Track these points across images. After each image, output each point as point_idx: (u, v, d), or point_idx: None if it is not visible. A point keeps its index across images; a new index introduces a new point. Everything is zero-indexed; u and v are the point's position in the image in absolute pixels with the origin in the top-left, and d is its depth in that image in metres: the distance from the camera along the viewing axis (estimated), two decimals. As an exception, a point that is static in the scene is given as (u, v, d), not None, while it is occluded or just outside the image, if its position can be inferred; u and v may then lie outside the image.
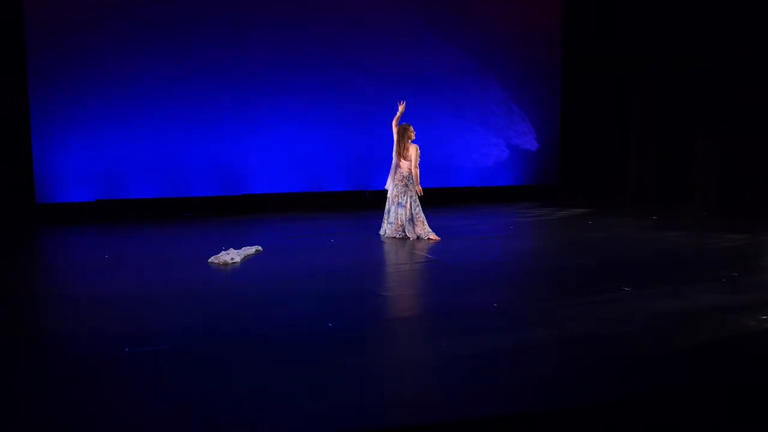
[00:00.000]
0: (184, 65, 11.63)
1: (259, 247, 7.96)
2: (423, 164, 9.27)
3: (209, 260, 7.38)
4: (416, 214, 8.94)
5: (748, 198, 11.32)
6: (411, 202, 8.94)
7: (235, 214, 11.23)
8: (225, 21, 11.83)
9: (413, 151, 8.96)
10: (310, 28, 12.26)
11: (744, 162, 11.35)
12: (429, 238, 8.80)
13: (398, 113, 9.01)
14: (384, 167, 12.78)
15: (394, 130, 9.03)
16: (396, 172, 9.04)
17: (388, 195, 9.13)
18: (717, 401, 3.94)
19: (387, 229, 9.06)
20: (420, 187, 8.98)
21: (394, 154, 9.04)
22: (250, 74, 12.01)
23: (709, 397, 3.95)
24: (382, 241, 8.83)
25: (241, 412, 3.66)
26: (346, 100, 12.55)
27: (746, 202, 11.29)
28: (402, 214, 8.94)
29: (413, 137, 9.05)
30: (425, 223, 8.96)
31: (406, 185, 8.95)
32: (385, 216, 9.15)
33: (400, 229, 8.94)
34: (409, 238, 8.83)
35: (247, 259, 7.55)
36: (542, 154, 14.01)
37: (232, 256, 7.46)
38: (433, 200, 9.44)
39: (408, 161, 8.97)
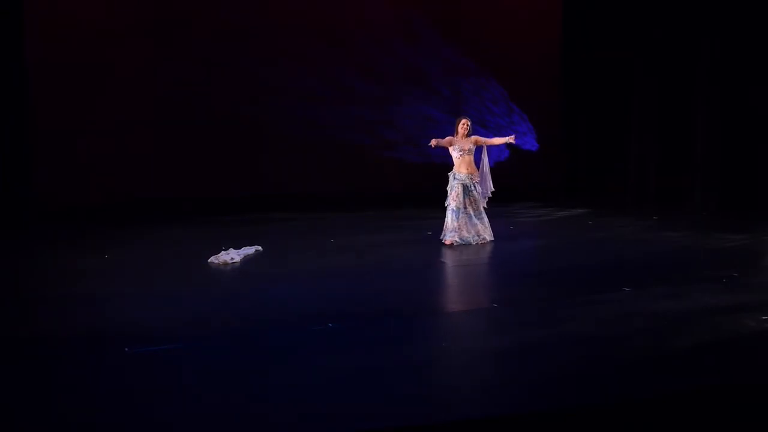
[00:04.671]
0: (185, 65, 11.64)
1: (259, 247, 7.95)
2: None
3: (209, 260, 7.37)
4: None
5: (748, 198, 11.31)
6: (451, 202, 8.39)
7: (235, 214, 11.22)
8: (225, 22, 11.84)
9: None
10: (311, 28, 12.27)
11: (744, 161, 11.34)
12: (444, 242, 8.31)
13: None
14: (384, 168, 12.82)
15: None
16: None
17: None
18: (717, 401, 3.94)
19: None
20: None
21: None
22: (251, 74, 12.01)
23: (709, 397, 3.95)
24: (382, 243, 8.79)
25: (240, 412, 3.66)
26: (346, 99, 12.56)
27: (746, 202, 11.28)
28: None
29: (461, 131, 8.39)
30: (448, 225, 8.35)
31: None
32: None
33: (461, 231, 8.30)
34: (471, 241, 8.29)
35: (246, 260, 7.55)
36: (542, 154, 14.00)
37: (232, 256, 7.46)
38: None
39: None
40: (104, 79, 11.23)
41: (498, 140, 8.82)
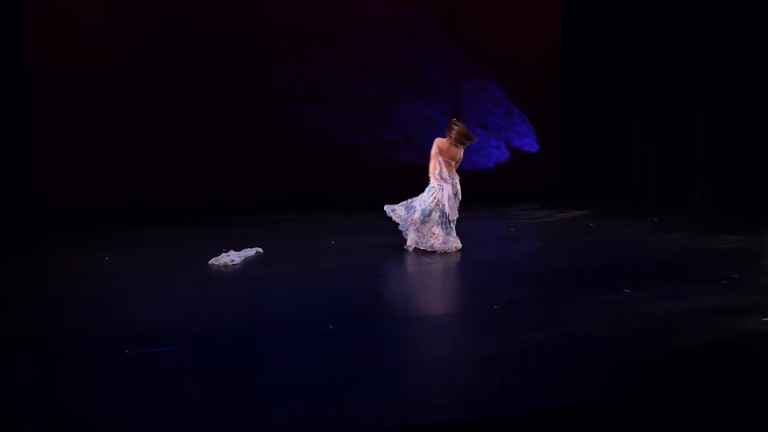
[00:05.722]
0: (185, 65, 11.62)
1: (260, 249, 7.95)
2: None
3: (209, 262, 7.37)
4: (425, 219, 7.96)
5: (748, 198, 11.31)
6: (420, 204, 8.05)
7: (235, 214, 11.22)
8: (225, 22, 11.83)
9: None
10: (311, 28, 12.26)
11: (744, 161, 11.34)
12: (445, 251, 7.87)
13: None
14: (384, 168, 12.81)
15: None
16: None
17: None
18: (717, 401, 3.94)
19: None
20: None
21: None
22: (251, 74, 12.00)
23: (709, 397, 3.95)
24: (383, 245, 8.78)
25: (240, 412, 3.66)
26: (346, 100, 12.54)
27: (746, 202, 11.27)
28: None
29: (451, 136, 8.01)
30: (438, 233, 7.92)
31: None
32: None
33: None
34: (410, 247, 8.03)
35: (247, 261, 7.55)
36: (542, 156, 14.00)
37: (232, 257, 7.45)
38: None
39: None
40: (104, 79, 11.22)
41: (432, 167, 8.16)
